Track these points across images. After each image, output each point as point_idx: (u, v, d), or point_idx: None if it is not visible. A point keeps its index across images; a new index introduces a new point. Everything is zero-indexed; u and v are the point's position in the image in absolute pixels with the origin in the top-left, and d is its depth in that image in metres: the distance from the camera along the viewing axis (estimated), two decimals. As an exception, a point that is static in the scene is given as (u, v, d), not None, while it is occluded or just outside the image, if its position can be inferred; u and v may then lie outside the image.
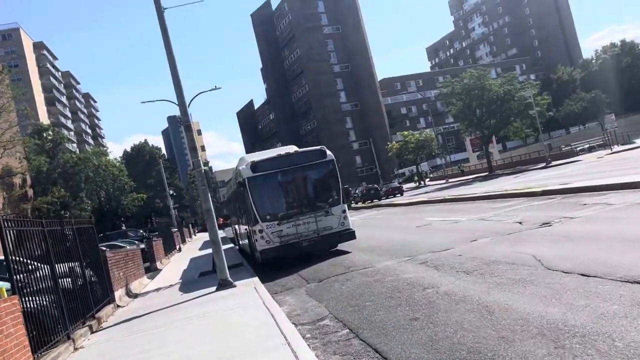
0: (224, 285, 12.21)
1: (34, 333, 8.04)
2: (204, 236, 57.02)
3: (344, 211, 15.37)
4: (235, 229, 24.80)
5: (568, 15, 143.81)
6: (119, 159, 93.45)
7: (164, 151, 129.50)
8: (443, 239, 13.71)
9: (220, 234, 43.34)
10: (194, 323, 8.90)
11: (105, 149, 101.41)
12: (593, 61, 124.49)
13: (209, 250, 29.50)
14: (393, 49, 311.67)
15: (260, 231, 14.77)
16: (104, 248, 25.44)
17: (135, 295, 14.67)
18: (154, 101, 43.95)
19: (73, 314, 9.59)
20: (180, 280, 16.48)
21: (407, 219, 23.36)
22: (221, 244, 12.60)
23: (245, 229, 17.60)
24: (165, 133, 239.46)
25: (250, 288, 11.68)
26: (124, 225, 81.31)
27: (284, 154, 15.62)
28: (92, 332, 9.99)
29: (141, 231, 39.59)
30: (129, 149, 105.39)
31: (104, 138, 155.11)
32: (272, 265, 15.20)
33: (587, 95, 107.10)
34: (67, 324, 8.93)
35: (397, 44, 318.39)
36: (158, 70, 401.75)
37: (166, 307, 11.45)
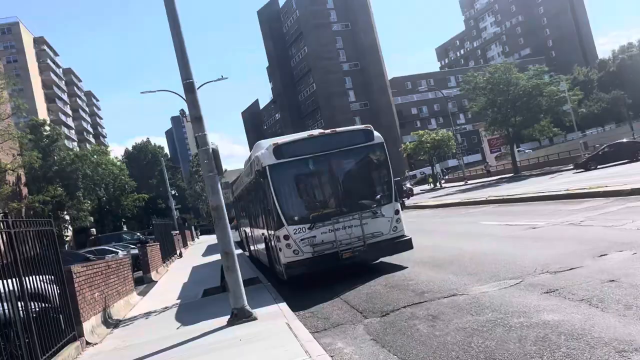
0: (239, 316, 8.38)
1: None
2: (208, 239, 53.19)
3: (397, 212, 11.50)
4: (246, 232, 20.91)
5: (583, 14, 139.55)
6: (120, 158, 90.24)
7: (166, 151, 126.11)
8: (542, 251, 9.86)
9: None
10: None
11: (105, 147, 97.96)
12: (610, 61, 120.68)
13: (214, 257, 25.62)
14: (401, 50, 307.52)
15: (286, 237, 10.92)
16: (89, 256, 21.69)
17: (117, 324, 10.82)
18: (154, 91, 40.29)
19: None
20: (179, 301, 12.62)
21: (453, 222, 19.47)
22: (236, 257, 8.74)
23: (262, 234, 13.75)
24: (168, 134, 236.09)
25: (279, 324, 7.83)
26: (125, 226, 78.07)
27: (317, 134, 11.75)
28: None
29: (138, 234, 35.84)
30: (130, 148, 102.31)
31: (105, 137, 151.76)
32: (300, 282, 11.40)
33: (607, 95, 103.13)
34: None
35: (406, 44, 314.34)
36: (163, 73, 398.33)
37: (156, 353, 7.60)
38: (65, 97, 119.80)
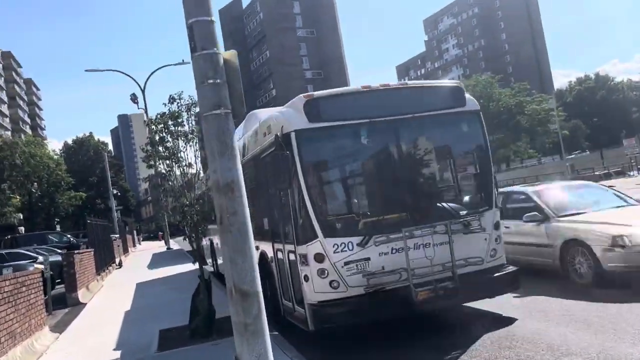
0: None
1: None
2: (151, 246, 47.10)
3: (497, 225, 7.00)
4: (212, 240, 15.63)
5: (543, 44, 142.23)
6: (58, 152, 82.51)
7: (110, 148, 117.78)
8: None
9: (173, 244, 32.98)
10: None
11: (40, 139, 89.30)
12: (567, 92, 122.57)
13: (164, 271, 19.99)
14: (363, 65, 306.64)
15: (319, 258, 6.24)
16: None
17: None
18: (101, 70, 34.88)
19: None
20: (119, 354, 7.57)
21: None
22: (263, 304, 3.92)
23: (256, 248, 8.88)
24: (114, 132, 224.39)
25: None
26: (58, 226, 70.69)
27: (378, 87, 7.11)
28: None
29: (68, 235, 29.85)
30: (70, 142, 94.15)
31: (44, 130, 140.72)
32: (324, 334, 6.66)
33: (566, 124, 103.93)
34: None
35: (368, 60, 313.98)
36: (114, 64, 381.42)
37: None
38: (1, 82, 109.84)
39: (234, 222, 3.74)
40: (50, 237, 28.41)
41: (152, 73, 35.17)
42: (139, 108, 33.40)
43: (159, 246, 41.58)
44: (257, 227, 8.77)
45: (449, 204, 6.85)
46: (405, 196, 6.70)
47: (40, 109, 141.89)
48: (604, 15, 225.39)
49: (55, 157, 71.75)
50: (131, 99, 33.41)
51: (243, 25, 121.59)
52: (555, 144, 64.27)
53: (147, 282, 16.62)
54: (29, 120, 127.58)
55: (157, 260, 26.05)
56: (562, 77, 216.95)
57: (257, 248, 8.82)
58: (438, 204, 6.75)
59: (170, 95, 8.09)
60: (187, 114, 8.15)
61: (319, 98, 6.65)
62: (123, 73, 34.68)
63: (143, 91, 33.99)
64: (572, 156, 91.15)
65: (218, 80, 3.77)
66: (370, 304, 6.24)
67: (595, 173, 45.50)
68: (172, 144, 7.89)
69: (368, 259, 6.33)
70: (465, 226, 6.63)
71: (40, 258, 18.47)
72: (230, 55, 3.98)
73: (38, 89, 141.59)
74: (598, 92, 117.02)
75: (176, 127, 7.93)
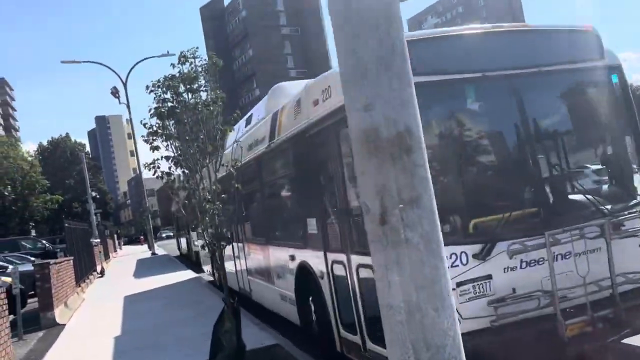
0: None
1: None
2: (134, 251, 44.50)
3: (652, 221, 5.01)
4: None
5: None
6: (32, 153, 78.95)
7: (88, 149, 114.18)
8: None
9: (158, 249, 30.78)
10: None
11: (14, 139, 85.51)
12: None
13: (155, 281, 17.35)
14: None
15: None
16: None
17: None
18: (78, 62, 32.33)
19: None
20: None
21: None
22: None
23: (291, 257, 6.73)
24: (91, 134, 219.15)
25: None
26: (33, 231, 67.54)
27: (491, 29, 5.03)
28: None
29: (43, 241, 27.20)
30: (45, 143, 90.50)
31: (18, 131, 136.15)
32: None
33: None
34: None
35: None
36: (88, 70, 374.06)
37: None
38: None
39: (416, 219, 1.65)
40: (23, 243, 25.69)
41: (134, 65, 32.66)
42: (120, 103, 30.93)
43: (142, 251, 39.07)
44: (295, 230, 6.71)
45: (602, 192, 4.82)
46: (539, 185, 4.63)
47: (14, 110, 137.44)
48: (582, 16, 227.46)
49: (30, 158, 68.60)
50: (112, 92, 30.88)
51: (225, 23, 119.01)
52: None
53: (137, 295, 14.30)
54: (2, 121, 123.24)
55: (144, 268, 23.69)
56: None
57: (292, 258, 6.75)
58: (584, 197, 4.70)
59: (181, 53, 5.95)
60: (204, 79, 6.05)
61: (414, 41, 4.54)
62: (102, 65, 32.10)
63: (125, 84, 31.53)
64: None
65: None
66: (498, 344, 4.19)
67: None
68: (185, 117, 5.74)
69: (489, 277, 4.28)
70: (620, 227, 4.62)
71: (10, 268, 16.07)
72: None
73: (12, 89, 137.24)
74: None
75: (191, 95, 5.79)
